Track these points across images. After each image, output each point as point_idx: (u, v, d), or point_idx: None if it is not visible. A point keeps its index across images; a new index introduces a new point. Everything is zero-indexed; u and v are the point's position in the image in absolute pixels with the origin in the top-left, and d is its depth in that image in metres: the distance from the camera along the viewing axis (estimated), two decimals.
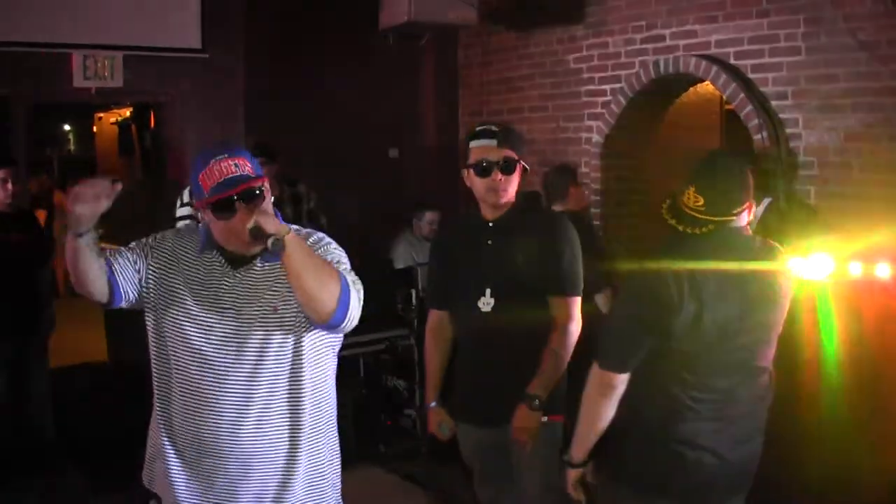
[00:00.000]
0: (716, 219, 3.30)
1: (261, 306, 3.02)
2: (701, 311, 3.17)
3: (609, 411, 3.34)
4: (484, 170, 3.95)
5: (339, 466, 3.29)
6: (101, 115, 13.34)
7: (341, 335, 3.18)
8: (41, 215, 7.51)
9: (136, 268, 3.11)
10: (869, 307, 5.33)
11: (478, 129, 4.05)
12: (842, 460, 5.28)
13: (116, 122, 12.54)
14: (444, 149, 9.66)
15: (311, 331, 3.06)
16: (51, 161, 14.76)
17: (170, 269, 3.12)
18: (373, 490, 6.12)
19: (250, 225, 2.82)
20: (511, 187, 4.00)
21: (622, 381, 3.29)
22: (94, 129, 14.12)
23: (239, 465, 3.03)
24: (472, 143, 4.01)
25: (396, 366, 7.08)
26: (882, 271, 5.23)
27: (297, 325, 3.04)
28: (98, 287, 3.04)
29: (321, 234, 3.19)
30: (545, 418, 3.95)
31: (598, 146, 8.10)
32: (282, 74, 8.78)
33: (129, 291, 3.09)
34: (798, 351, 5.50)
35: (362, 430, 6.70)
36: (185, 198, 7.02)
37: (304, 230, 3.17)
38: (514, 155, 3.97)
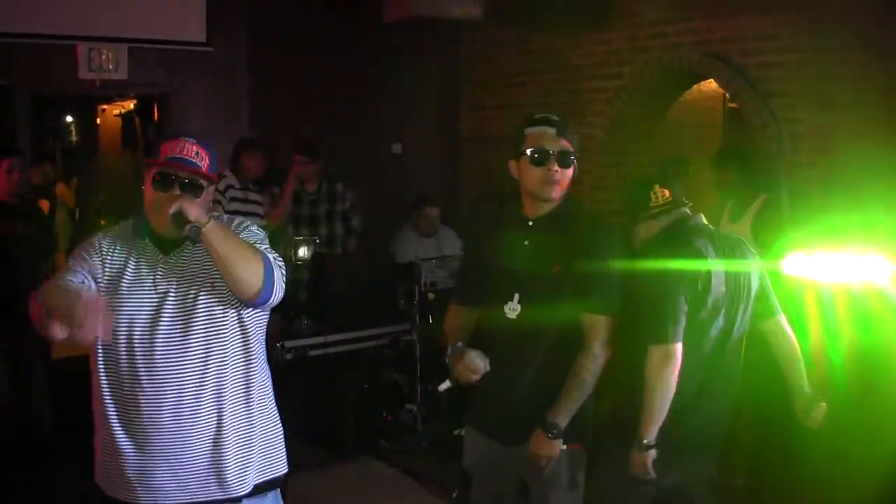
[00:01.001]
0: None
1: (198, 285, 3.15)
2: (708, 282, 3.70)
3: (674, 381, 3.66)
4: (539, 159, 3.64)
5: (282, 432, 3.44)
6: (105, 106, 13.33)
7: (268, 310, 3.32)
8: (44, 206, 7.50)
9: (84, 286, 3.13)
10: (867, 306, 5.33)
11: (536, 116, 3.73)
12: (840, 458, 5.29)
13: (120, 114, 12.53)
14: (448, 144, 9.67)
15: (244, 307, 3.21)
16: (53, 152, 14.72)
17: (106, 267, 3.19)
18: (373, 484, 6.14)
19: (173, 210, 2.99)
20: (566, 182, 3.69)
21: (679, 349, 3.67)
22: (98, 120, 14.10)
23: (202, 439, 3.15)
24: (528, 130, 3.69)
25: (398, 361, 7.10)
26: (880, 270, 5.24)
27: (234, 298, 3.17)
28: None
29: (242, 219, 3.37)
30: (564, 446, 3.68)
31: (601, 142, 8.10)
32: (285, 68, 8.80)
33: None
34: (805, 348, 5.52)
35: (363, 424, 6.72)
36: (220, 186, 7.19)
37: (226, 216, 3.40)
38: (571, 147, 3.68)
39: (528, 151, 3.66)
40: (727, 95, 7.80)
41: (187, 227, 2.98)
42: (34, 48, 7.91)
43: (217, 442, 3.16)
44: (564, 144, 3.66)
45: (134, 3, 8.31)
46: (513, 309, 3.70)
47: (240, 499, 3.24)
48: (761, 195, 6.11)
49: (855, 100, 6.16)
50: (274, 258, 3.16)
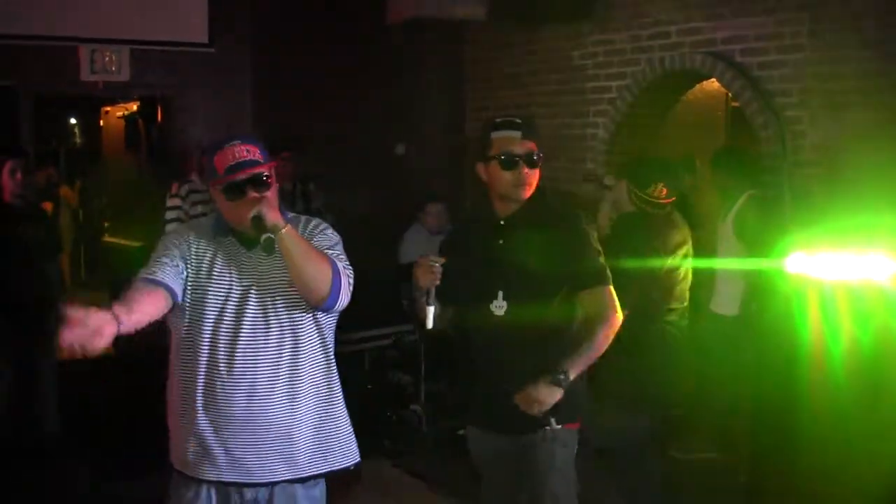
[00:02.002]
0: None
1: (279, 281, 3.28)
2: None
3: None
4: (508, 163, 3.74)
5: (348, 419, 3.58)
6: (108, 108, 13.35)
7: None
8: (48, 208, 7.52)
9: (179, 269, 3.29)
10: (870, 306, 5.34)
11: (499, 119, 3.84)
12: (845, 458, 5.30)
13: (123, 116, 12.55)
14: (451, 145, 9.67)
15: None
16: (57, 154, 14.75)
17: (193, 257, 3.33)
18: (377, 484, 6.14)
19: (253, 213, 3.11)
20: (535, 182, 3.80)
21: None
22: (101, 122, 14.13)
23: (274, 424, 3.28)
24: (494, 134, 3.79)
25: (401, 361, 7.10)
26: (883, 270, 5.24)
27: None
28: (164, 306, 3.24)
29: (319, 220, 3.50)
30: (559, 426, 3.72)
31: (604, 143, 8.11)
32: (288, 69, 8.81)
33: (178, 290, 3.28)
34: (799, 349, 5.54)
35: (367, 424, 6.72)
36: (174, 189, 7.12)
37: (304, 218, 3.49)
38: (535, 148, 3.78)
39: (497, 156, 3.76)
40: (729, 95, 7.81)
41: (263, 238, 3.11)
42: (37, 50, 7.93)
43: (289, 428, 3.31)
44: (530, 146, 3.77)
45: (136, 5, 8.33)
46: (499, 306, 3.78)
47: (306, 479, 3.39)
48: (746, 192, 6.16)
49: (857, 99, 6.17)
50: (343, 266, 3.30)
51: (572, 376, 3.63)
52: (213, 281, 3.29)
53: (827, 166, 6.38)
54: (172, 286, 3.21)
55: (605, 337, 3.71)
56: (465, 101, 9.84)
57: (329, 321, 3.43)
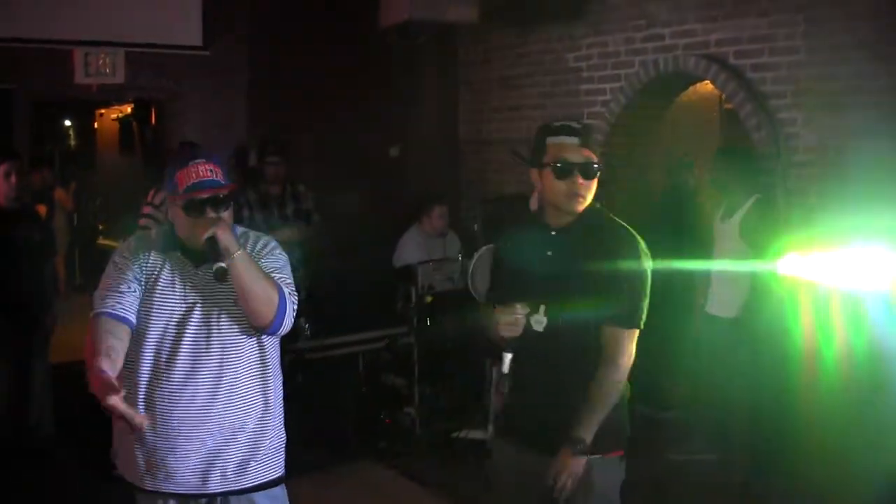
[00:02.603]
0: None
1: (222, 300, 3.34)
2: None
3: None
4: (563, 171, 3.53)
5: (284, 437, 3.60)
6: (103, 111, 13.37)
7: None
8: (42, 210, 7.52)
9: (136, 295, 3.35)
10: (864, 307, 5.35)
11: (556, 124, 3.61)
12: (842, 460, 5.31)
13: (118, 119, 12.57)
14: (445, 147, 9.68)
15: None
16: (52, 156, 14.74)
17: (143, 270, 3.38)
18: (372, 486, 6.14)
19: (207, 234, 3.18)
20: (590, 194, 3.59)
21: None
22: (96, 125, 14.14)
23: (211, 436, 3.34)
24: (550, 140, 3.58)
25: (396, 363, 7.10)
26: (877, 271, 5.25)
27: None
28: None
29: (268, 240, 3.54)
30: (599, 456, 3.55)
31: (598, 145, 8.11)
32: (282, 73, 8.81)
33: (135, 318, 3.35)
34: (795, 351, 5.54)
35: (362, 427, 6.73)
36: (149, 196, 7.12)
37: (253, 234, 3.55)
38: (594, 157, 3.57)
39: (552, 164, 3.56)
40: (723, 97, 7.82)
41: (215, 267, 3.14)
42: (32, 53, 7.93)
43: (226, 440, 3.36)
44: (588, 155, 3.56)
45: (130, 8, 8.32)
46: (539, 321, 3.60)
47: (241, 492, 3.42)
48: (754, 195, 6.13)
49: (851, 101, 6.18)
50: (290, 292, 3.36)
51: (589, 440, 3.49)
52: (158, 295, 3.33)
53: (821, 168, 6.39)
54: (133, 319, 3.29)
55: (613, 383, 3.55)
56: (458, 104, 9.85)
57: (272, 340, 3.49)
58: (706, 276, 6.36)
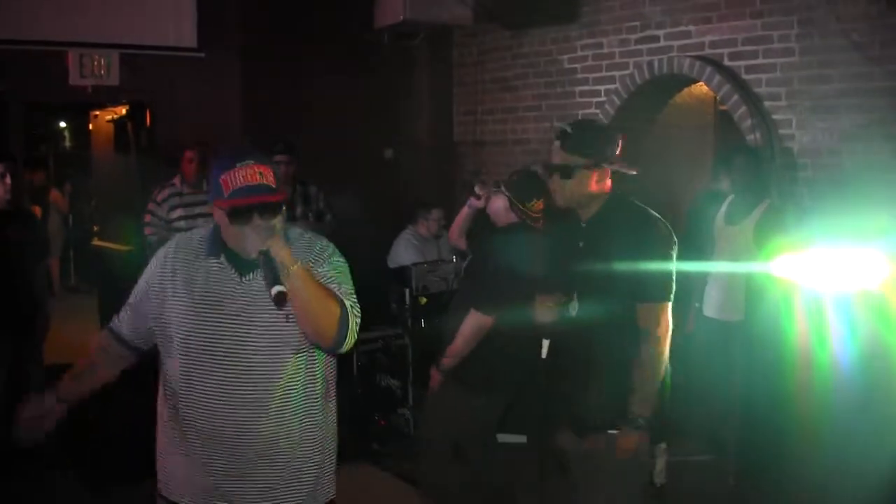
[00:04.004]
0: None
1: (271, 313, 3.03)
2: None
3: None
4: (546, 172, 4.01)
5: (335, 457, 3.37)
6: (97, 112, 13.32)
7: None
8: (36, 212, 7.51)
9: (141, 322, 3.23)
10: (860, 308, 5.35)
11: (558, 127, 4.10)
12: (840, 461, 5.31)
13: (112, 120, 12.52)
14: (440, 149, 9.68)
15: None
16: (46, 158, 14.73)
17: (170, 287, 3.14)
18: (366, 489, 6.14)
19: (262, 248, 2.90)
20: (567, 193, 3.88)
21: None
22: (90, 126, 14.09)
23: (256, 455, 3.10)
24: (553, 144, 3.99)
25: (390, 365, 7.10)
26: (872, 272, 5.26)
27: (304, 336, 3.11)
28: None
29: (326, 244, 3.23)
30: (614, 432, 3.84)
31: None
32: (277, 74, 8.80)
33: (146, 341, 3.27)
34: (789, 352, 5.54)
35: (356, 428, 6.72)
36: (158, 198, 7.10)
37: (308, 236, 3.23)
38: (575, 160, 3.83)
39: (546, 167, 4.02)
40: (718, 99, 7.83)
41: (274, 292, 2.83)
42: (26, 55, 7.92)
43: (271, 461, 3.12)
44: (568, 158, 3.86)
45: (125, 10, 8.32)
46: (573, 307, 3.93)
47: None
48: (764, 200, 6.06)
49: (844, 103, 6.19)
50: (351, 305, 3.04)
51: (647, 414, 3.79)
52: (197, 306, 3.06)
53: (815, 169, 6.40)
54: (135, 342, 3.24)
55: (655, 355, 3.80)
56: (452, 105, 9.86)
57: (327, 357, 3.22)
58: (702, 278, 6.34)
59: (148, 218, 7.11)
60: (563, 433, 4.07)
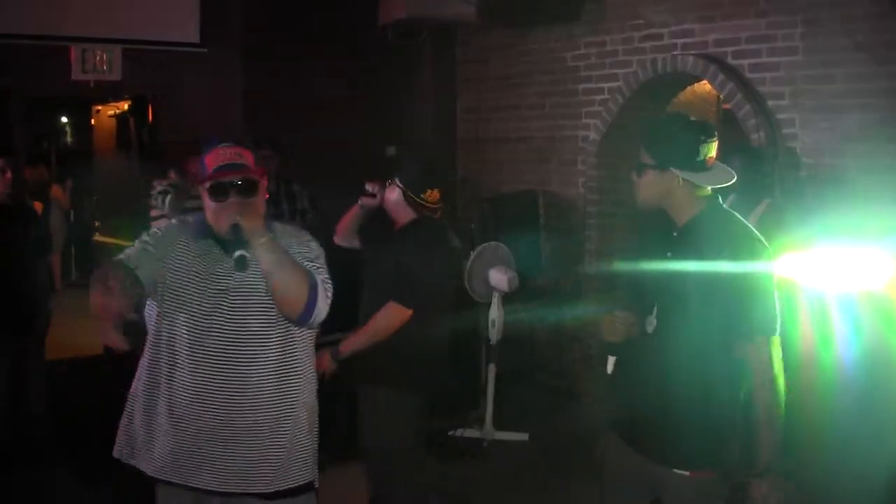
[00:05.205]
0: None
1: (252, 290, 3.24)
2: None
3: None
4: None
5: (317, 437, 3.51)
6: (99, 107, 13.34)
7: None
8: (38, 207, 7.48)
9: (153, 268, 3.25)
10: (862, 309, 5.33)
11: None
12: (833, 462, 5.30)
13: (114, 115, 12.54)
14: (442, 146, 9.66)
15: None
16: (48, 153, 14.72)
17: (172, 258, 3.28)
18: (365, 486, 6.13)
19: (233, 220, 3.10)
20: (642, 191, 3.59)
21: None
22: (92, 121, 14.11)
23: (239, 432, 3.24)
24: None
25: None
26: (874, 272, 5.24)
27: None
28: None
29: (303, 232, 3.48)
30: (687, 473, 3.51)
31: (595, 144, 8.11)
32: (279, 70, 8.79)
33: (150, 292, 3.27)
34: (791, 353, 5.52)
35: (356, 426, 6.70)
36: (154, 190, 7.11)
37: (287, 227, 3.47)
38: (645, 159, 3.53)
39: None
40: (721, 97, 7.81)
41: (235, 255, 3.06)
42: (28, 50, 7.91)
43: (249, 439, 3.26)
44: (642, 154, 3.55)
45: (127, 5, 8.31)
46: (650, 323, 3.54)
47: (268, 496, 3.32)
48: (765, 200, 6.04)
49: (848, 102, 6.17)
50: (322, 280, 3.23)
51: (769, 464, 3.52)
52: (187, 283, 3.23)
53: (817, 169, 6.38)
54: (141, 277, 3.19)
55: (767, 406, 3.49)
56: (456, 102, 9.84)
57: (304, 337, 3.39)
58: None
59: (157, 224, 7.10)
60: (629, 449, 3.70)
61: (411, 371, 4.68)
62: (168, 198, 6.73)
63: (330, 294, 3.25)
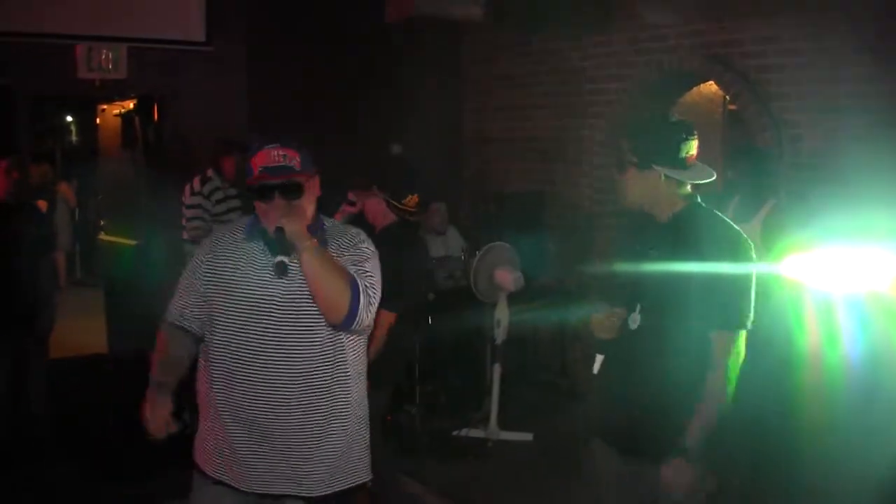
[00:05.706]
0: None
1: (300, 293, 3.19)
2: None
3: None
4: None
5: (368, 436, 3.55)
6: (105, 106, 13.32)
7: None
8: (42, 206, 7.48)
9: (200, 306, 3.33)
10: (866, 309, 5.33)
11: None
12: (835, 461, 5.29)
13: (119, 114, 12.51)
14: (448, 145, 9.65)
15: None
16: (53, 152, 14.72)
17: (219, 270, 3.30)
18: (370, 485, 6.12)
19: (276, 225, 3.09)
20: (625, 190, 3.65)
21: None
22: (97, 120, 14.09)
23: (300, 434, 3.25)
24: None
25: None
26: (879, 273, 5.23)
27: None
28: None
29: (357, 231, 3.45)
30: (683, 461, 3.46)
31: (601, 144, 8.10)
32: (285, 68, 8.79)
33: (202, 323, 3.36)
34: (795, 353, 5.52)
35: None
36: (195, 186, 7.17)
37: (343, 227, 3.48)
38: (628, 156, 3.62)
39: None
40: (727, 98, 7.80)
41: (276, 260, 3.09)
42: (33, 48, 7.91)
43: (300, 441, 3.26)
44: (623, 153, 3.67)
45: (133, 3, 8.32)
46: (634, 319, 3.60)
47: (322, 498, 3.33)
48: (770, 200, 6.03)
49: (855, 103, 6.17)
50: (368, 285, 3.20)
51: (695, 447, 3.43)
52: (238, 287, 3.23)
53: (823, 170, 6.37)
54: (195, 327, 3.31)
55: (713, 389, 3.47)
56: (461, 102, 9.83)
57: (353, 338, 3.34)
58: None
59: (191, 213, 7.19)
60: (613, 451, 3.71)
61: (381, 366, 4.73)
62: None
63: (375, 300, 3.24)
